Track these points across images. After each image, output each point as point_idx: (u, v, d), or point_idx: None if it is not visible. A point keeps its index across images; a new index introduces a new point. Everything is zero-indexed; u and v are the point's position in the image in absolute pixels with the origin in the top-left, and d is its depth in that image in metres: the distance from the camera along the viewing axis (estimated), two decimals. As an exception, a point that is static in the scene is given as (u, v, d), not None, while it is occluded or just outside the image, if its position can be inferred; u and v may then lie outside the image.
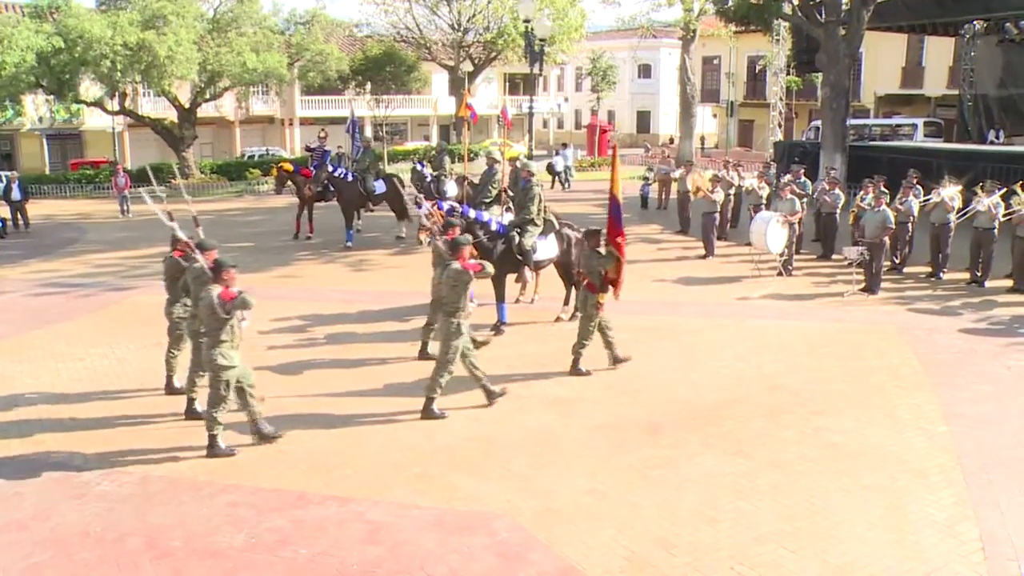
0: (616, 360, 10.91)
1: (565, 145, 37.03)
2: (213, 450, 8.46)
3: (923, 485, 7.74)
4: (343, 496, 7.60)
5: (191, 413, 9.34)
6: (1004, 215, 15.47)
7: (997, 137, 29.74)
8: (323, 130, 22.67)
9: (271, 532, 6.99)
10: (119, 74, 29.69)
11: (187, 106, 34.97)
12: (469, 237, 10.21)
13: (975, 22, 28.65)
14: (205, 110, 37.50)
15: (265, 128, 49.19)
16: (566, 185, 32.95)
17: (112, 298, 15.34)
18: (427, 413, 9.34)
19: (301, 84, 42.85)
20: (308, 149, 22.05)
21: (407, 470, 8.10)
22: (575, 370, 10.74)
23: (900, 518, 7.14)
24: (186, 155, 35.14)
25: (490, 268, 9.86)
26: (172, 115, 35.84)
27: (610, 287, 10.62)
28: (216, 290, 8.21)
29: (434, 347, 10.46)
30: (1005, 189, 15.80)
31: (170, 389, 10.15)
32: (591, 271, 10.58)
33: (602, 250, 10.60)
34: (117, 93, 32.61)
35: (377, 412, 9.52)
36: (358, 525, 7.10)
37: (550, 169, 32.79)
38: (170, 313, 10.01)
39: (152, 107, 39.31)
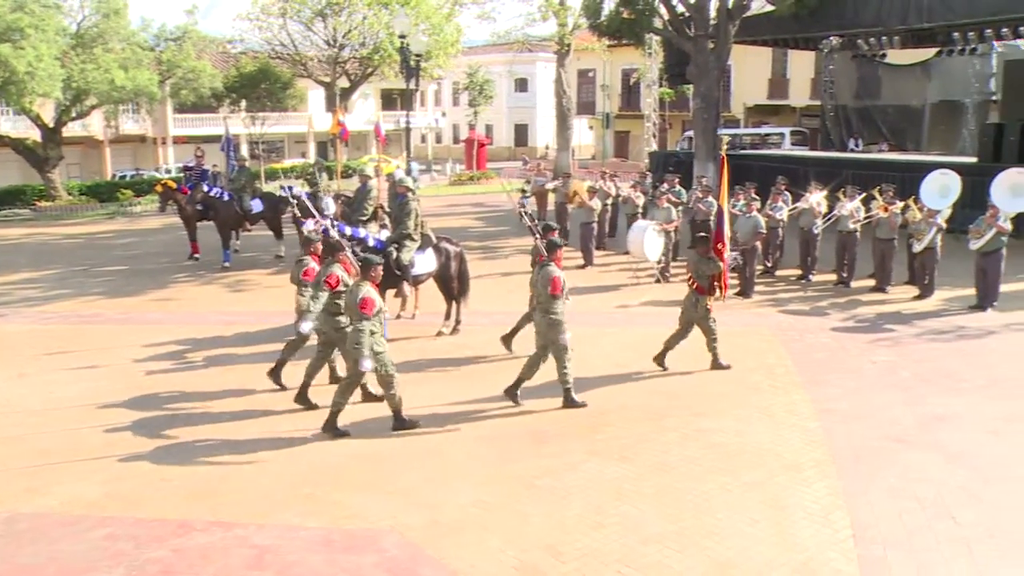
0: (717, 364, 11.40)
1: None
2: (400, 422, 9.30)
3: (799, 479, 8.03)
4: (228, 521, 7.39)
5: (303, 400, 10.07)
6: (864, 218, 16.25)
7: (857, 145, 31.25)
8: (200, 148, 22.11)
9: (152, 563, 6.74)
10: (-30, 90, 28.27)
11: (51, 125, 33.53)
12: (560, 239, 10.69)
13: (831, 37, 30.01)
14: (72, 129, 36.03)
15: (137, 147, 47.66)
16: None
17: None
18: (569, 403, 9.92)
19: (173, 102, 41.67)
20: (186, 168, 21.48)
21: (293, 491, 7.95)
22: (717, 365, 11.35)
23: (779, 512, 7.38)
24: (52, 176, 33.66)
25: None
26: (36, 134, 34.31)
27: (717, 289, 11.26)
28: (366, 286, 9.04)
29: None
30: (865, 194, 16.62)
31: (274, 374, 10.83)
32: (700, 276, 11.13)
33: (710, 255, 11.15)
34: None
35: (260, 434, 9.32)
36: (244, 550, 6.92)
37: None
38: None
39: (12, 126, 37.57)
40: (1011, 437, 9.03)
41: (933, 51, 32.12)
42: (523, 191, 27.79)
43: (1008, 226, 14.32)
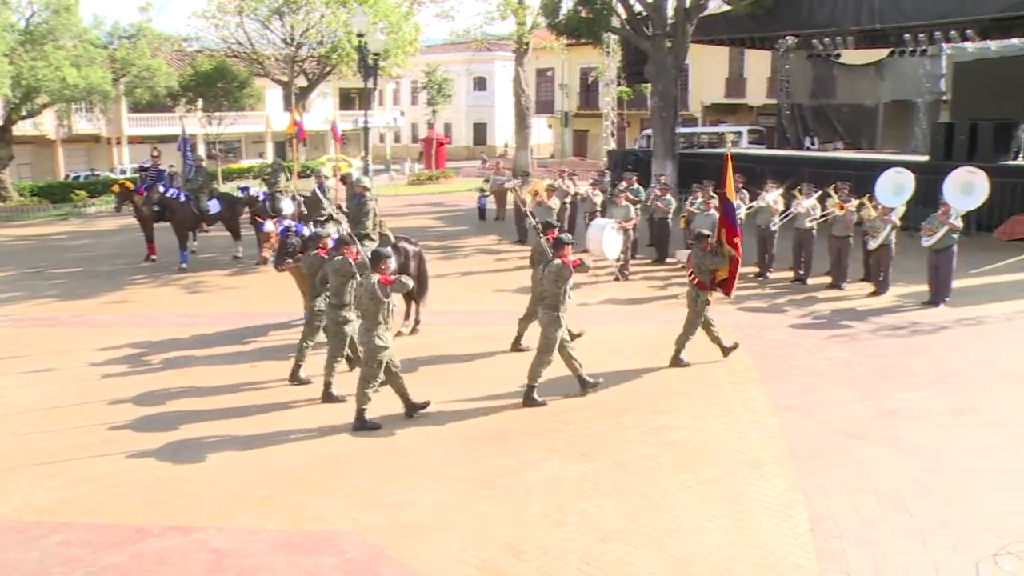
0: (725, 351, 11.66)
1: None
2: (361, 423, 9.33)
3: (758, 475, 8.12)
4: (186, 526, 7.31)
5: (328, 397, 10.17)
6: (820, 216, 16.46)
7: (812, 143, 31.66)
8: (156, 148, 21.80)
9: (109, 570, 6.65)
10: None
11: (0, 124, 32.91)
12: (570, 236, 10.91)
13: (787, 37, 30.36)
14: (22, 128, 35.35)
15: (91, 147, 46.90)
16: None
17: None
18: (528, 401, 9.98)
19: (128, 101, 41.07)
20: (142, 169, 21.17)
21: (252, 493, 7.88)
22: (676, 361, 11.45)
23: (738, 508, 7.46)
24: (2, 177, 33.00)
25: (589, 262, 11.19)
26: (-17, 134, 33.61)
27: (720, 286, 11.42)
28: (375, 277, 9.16)
29: (527, 340, 11.70)
30: (821, 192, 16.84)
31: (296, 379, 10.89)
32: (701, 271, 11.26)
33: (713, 251, 11.32)
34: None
35: (218, 436, 9.23)
36: (203, 554, 6.85)
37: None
38: (312, 307, 10.88)
39: (-42, 124, 36.79)
40: (961, 430, 9.21)
41: (886, 52, 32.69)
42: (482, 190, 27.85)
43: (959, 223, 14.58)
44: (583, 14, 25.75)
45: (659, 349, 12.12)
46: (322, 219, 15.22)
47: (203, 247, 21.21)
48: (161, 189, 19.27)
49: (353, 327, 10.14)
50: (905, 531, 6.99)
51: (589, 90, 53.01)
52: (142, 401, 10.37)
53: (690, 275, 11.55)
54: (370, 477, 8.18)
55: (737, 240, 11.35)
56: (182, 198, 19.31)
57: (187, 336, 13.32)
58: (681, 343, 11.51)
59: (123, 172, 40.00)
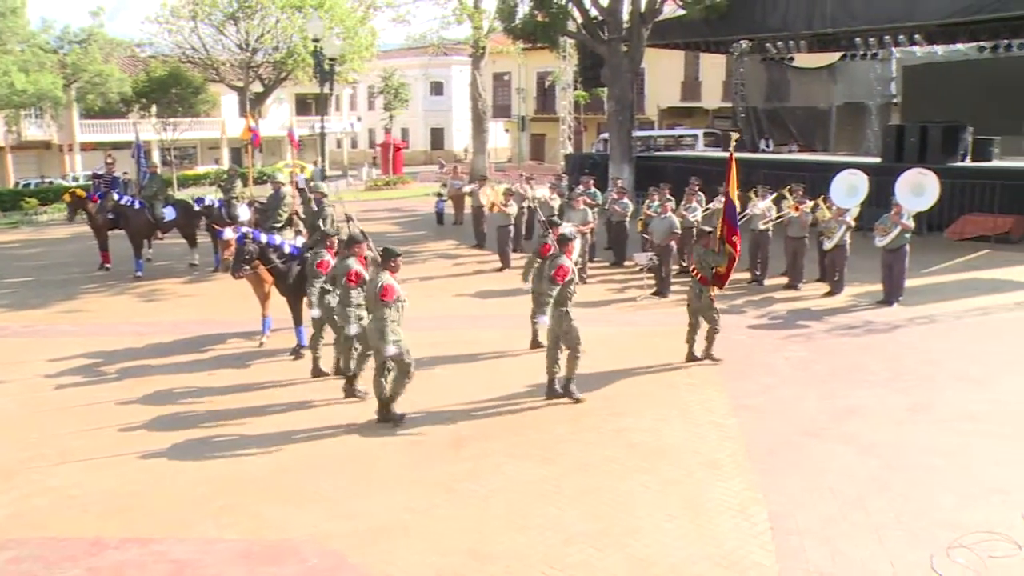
0: (691, 356, 11.79)
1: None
2: (389, 413, 9.56)
3: (717, 475, 8.18)
4: (143, 537, 7.20)
5: (350, 392, 10.42)
6: (776, 217, 16.65)
7: (768, 146, 32.04)
8: (110, 155, 21.50)
9: (62, 584, 6.55)
10: None
11: (-54, 130, 32.34)
12: (574, 231, 11.27)
13: (741, 41, 30.71)
14: (-31, 135, 34.81)
15: (41, 154, 46.17)
16: None
17: None
18: (568, 394, 10.22)
19: (80, 107, 40.56)
20: (95, 176, 20.86)
21: (211, 503, 7.79)
22: (708, 354, 11.73)
23: (698, 508, 7.51)
24: (-52, 185, 32.47)
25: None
26: (-71, 140, 32.98)
27: (717, 281, 11.61)
28: (386, 275, 9.31)
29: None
30: (776, 194, 17.04)
31: (316, 372, 11.20)
32: (704, 267, 11.51)
33: (716, 248, 11.55)
34: None
35: (174, 447, 9.10)
36: (161, 566, 6.76)
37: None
38: (323, 303, 10.97)
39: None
40: (915, 427, 9.36)
41: (838, 55, 33.18)
42: (439, 194, 27.82)
43: (911, 223, 14.83)
44: (539, 18, 25.82)
45: (619, 351, 12.18)
46: (278, 225, 15.15)
47: (159, 255, 20.97)
48: (116, 196, 19.01)
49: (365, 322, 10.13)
50: (862, 527, 7.09)
51: (546, 94, 53.11)
52: (96, 412, 10.21)
53: (693, 271, 11.81)
54: (329, 484, 8.12)
55: (736, 239, 11.60)
56: (137, 205, 19.07)
57: (143, 345, 13.15)
58: (710, 339, 11.75)
59: (75, 180, 39.37)
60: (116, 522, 7.47)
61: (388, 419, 9.57)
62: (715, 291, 11.64)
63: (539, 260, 11.41)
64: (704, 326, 11.68)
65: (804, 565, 6.55)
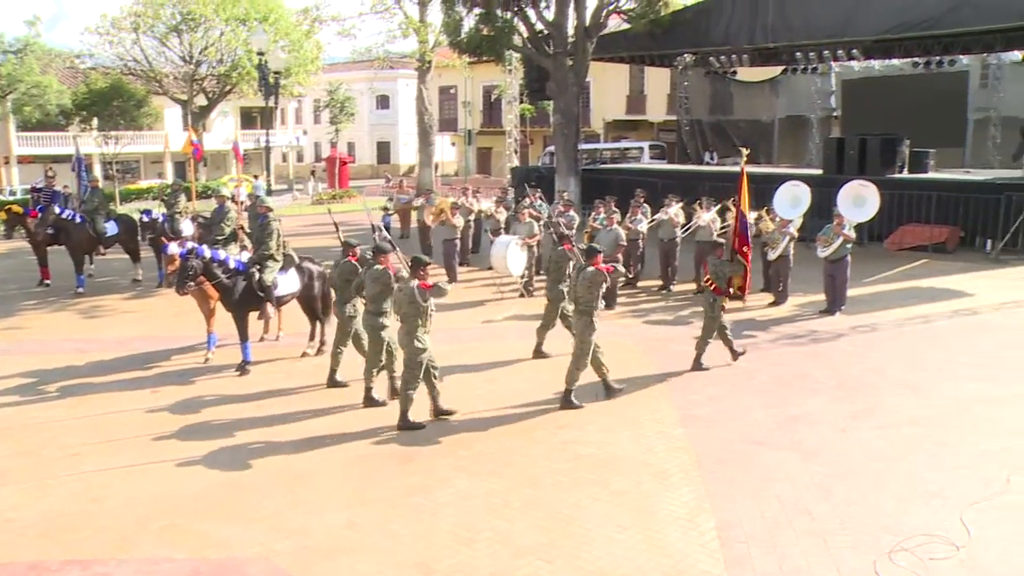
0: (735, 355, 12.23)
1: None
2: (405, 423, 9.74)
3: (665, 485, 8.23)
4: (85, 559, 7.04)
5: (369, 401, 10.53)
6: (721, 228, 16.85)
7: (712, 158, 32.45)
8: (50, 168, 21.08)
9: (0, 608, 6.38)
10: None
11: None
12: (596, 245, 11.34)
13: (685, 55, 31.10)
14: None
15: (-24, 168, 45.18)
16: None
17: None
18: (566, 403, 10.43)
19: (17, 119, 39.71)
20: (35, 190, 20.44)
21: (154, 522, 7.65)
22: (697, 366, 11.98)
23: (647, 518, 7.54)
24: None
25: (621, 268, 11.97)
26: None
27: (738, 293, 12.25)
28: (415, 282, 9.61)
29: (548, 346, 12.59)
30: (720, 205, 17.26)
31: (332, 383, 11.33)
32: (718, 277, 11.90)
33: (729, 258, 12.12)
34: None
35: (114, 466, 8.93)
36: (102, 588, 6.63)
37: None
38: (341, 312, 11.22)
39: None
40: (858, 434, 9.51)
41: (779, 69, 33.75)
42: (385, 208, 27.70)
43: (853, 234, 15.11)
44: (485, 32, 25.91)
45: (566, 363, 12.19)
46: (222, 239, 14.99)
47: (101, 270, 20.60)
48: (57, 210, 18.62)
49: (389, 332, 10.45)
50: (808, 533, 7.18)
51: (492, 108, 53.27)
52: (34, 432, 9.98)
53: (707, 282, 12.12)
54: (276, 502, 8.02)
55: (746, 250, 12.21)
56: (78, 220, 18.71)
57: (84, 363, 12.89)
58: (701, 348, 12.03)
59: (12, 193, 38.53)
60: (56, 545, 7.30)
61: (408, 427, 9.79)
62: (725, 302, 12.05)
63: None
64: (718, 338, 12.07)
65: (752, 573, 6.62)
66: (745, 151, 14.40)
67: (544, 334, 12.77)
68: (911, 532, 7.16)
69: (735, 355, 12.25)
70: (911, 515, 7.49)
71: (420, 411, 10.03)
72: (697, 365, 11.97)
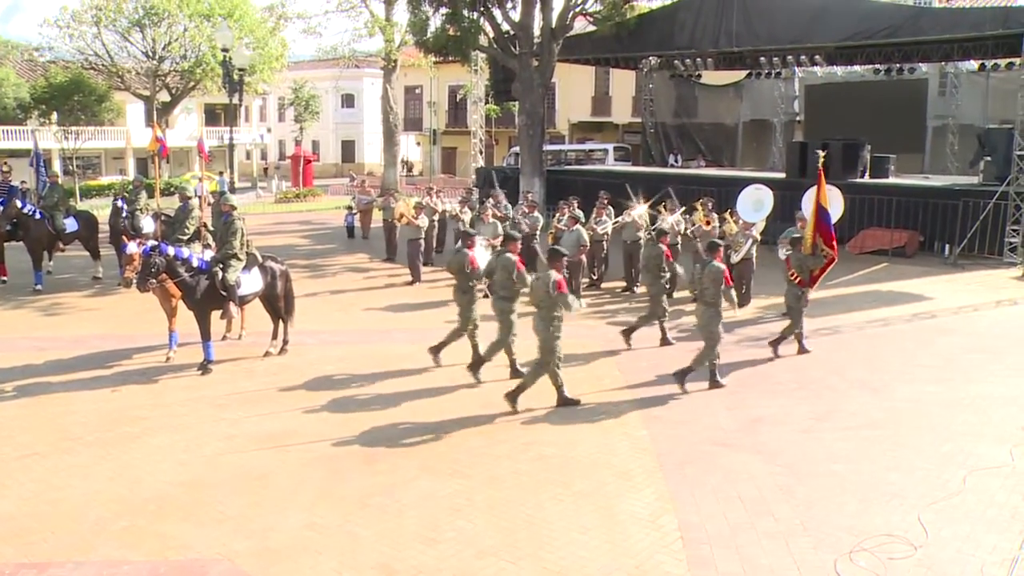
0: (802, 349, 13.00)
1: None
2: (564, 399, 10.43)
3: (628, 486, 8.26)
4: (41, 562, 6.89)
5: (516, 373, 11.28)
6: (683, 229, 16.97)
7: (676, 161, 32.66)
8: (6, 163, 20.71)
9: (-48, 611, 6.26)
10: None
11: None
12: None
13: (650, 58, 31.29)
14: None
15: (-69, 163, 44.26)
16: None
17: None
18: (713, 383, 11.25)
19: (-28, 113, 38.97)
20: None
21: (112, 524, 7.53)
22: (802, 350, 12.96)
23: (610, 519, 7.56)
24: None
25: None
26: None
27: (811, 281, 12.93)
28: (554, 275, 9.98)
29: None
30: (685, 207, 17.37)
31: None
32: (802, 270, 12.71)
33: (812, 252, 12.91)
34: None
35: (75, 465, 8.81)
36: (59, 591, 6.52)
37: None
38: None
39: None
40: (819, 435, 9.61)
41: (743, 74, 34.07)
42: (349, 207, 27.61)
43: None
44: (451, 32, 25.90)
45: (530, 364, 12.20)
46: (185, 237, 14.82)
47: (60, 267, 20.30)
48: (19, 205, 18.29)
49: (516, 316, 11.10)
50: (770, 534, 7.24)
51: (457, 108, 53.27)
52: (-9, 431, 9.81)
53: (792, 275, 12.83)
54: (237, 502, 7.94)
55: (834, 241, 12.99)
56: (37, 216, 18.42)
57: (42, 361, 12.68)
58: (788, 335, 12.88)
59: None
60: (11, 547, 7.15)
61: (568, 403, 10.42)
62: (808, 293, 12.88)
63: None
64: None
65: (714, 573, 6.65)
66: (822, 154, 14.91)
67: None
68: (871, 532, 7.23)
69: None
70: (871, 515, 7.57)
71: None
72: (803, 350, 12.88)
